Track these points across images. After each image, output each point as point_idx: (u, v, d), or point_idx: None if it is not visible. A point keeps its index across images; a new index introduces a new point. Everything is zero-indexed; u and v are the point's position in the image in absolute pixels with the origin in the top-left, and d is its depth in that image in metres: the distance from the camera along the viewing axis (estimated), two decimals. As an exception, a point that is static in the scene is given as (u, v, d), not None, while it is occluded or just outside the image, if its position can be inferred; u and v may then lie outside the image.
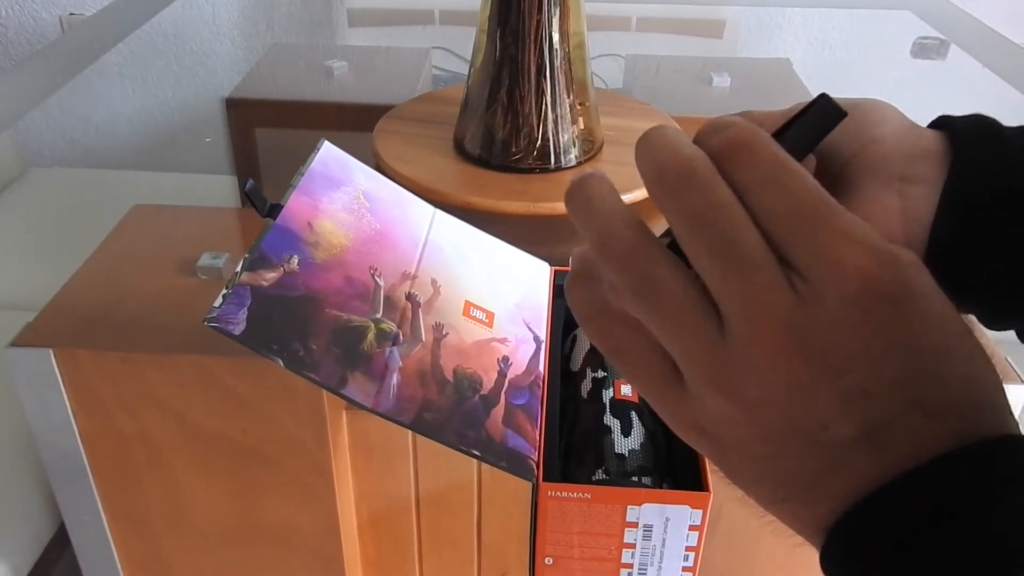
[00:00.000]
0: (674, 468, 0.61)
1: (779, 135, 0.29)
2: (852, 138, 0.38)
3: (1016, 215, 0.36)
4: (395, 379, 0.55)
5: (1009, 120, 0.40)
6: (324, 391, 0.56)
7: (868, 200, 0.38)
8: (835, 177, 0.39)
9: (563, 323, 0.70)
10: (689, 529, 0.58)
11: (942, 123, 0.39)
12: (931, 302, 0.25)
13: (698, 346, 0.26)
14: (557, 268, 0.73)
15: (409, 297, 0.61)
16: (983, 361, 0.26)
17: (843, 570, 0.26)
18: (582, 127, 0.90)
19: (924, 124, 0.42)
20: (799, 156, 0.28)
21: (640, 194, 0.83)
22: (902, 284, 0.25)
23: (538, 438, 0.59)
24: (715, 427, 0.27)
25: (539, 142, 0.88)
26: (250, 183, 0.54)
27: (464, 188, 0.85)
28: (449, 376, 0.58)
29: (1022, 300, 0.37)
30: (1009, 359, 0.64)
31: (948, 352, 0.25)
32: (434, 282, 0.63)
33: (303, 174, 0.60)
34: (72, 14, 1.81)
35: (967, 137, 0.38)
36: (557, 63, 0.85)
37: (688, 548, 0.59)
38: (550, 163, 0.88)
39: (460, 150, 0.92)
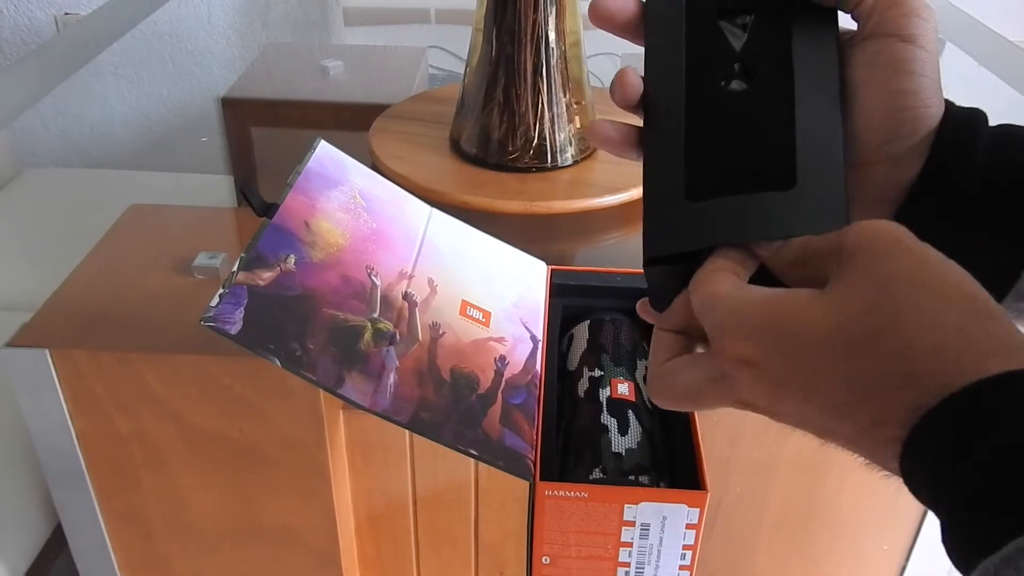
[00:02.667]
0: (671, 467, 0.61)
1: None
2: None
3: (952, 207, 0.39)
4: (392, 379, 0.55)
5: (1004, 117, 0.40)
6: (321, 390, 0.56)
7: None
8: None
9: (560, 322, 0.70)
10: (686, 528, 0.58)
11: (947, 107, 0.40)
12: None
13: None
14: (553, 267, 0.73)
15: (406, 296, 0.61)
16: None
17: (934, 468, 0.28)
18: (579, 126, 0.90)
19: None
20: None
21: (635, 192, 0.83)
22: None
23: (535, 437, 0.59)
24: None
25: (535, 141, 0.88)
26: (246, 182, 0.54)
27: (461, 187, 0.85)
28: (446, 375, 0.58)
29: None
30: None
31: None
32: (431, 281, 0.63)
33: (299, 173, 0.60)
34: (67, 14, 1.80)
35: (946, 138, 0.39)
36: (553, 62, 0.85)
37: (685, 547, 0.59)
38: (547, 162, 0.88)
39: (456, 149, 0.92)
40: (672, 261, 0.39)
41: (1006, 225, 0.39)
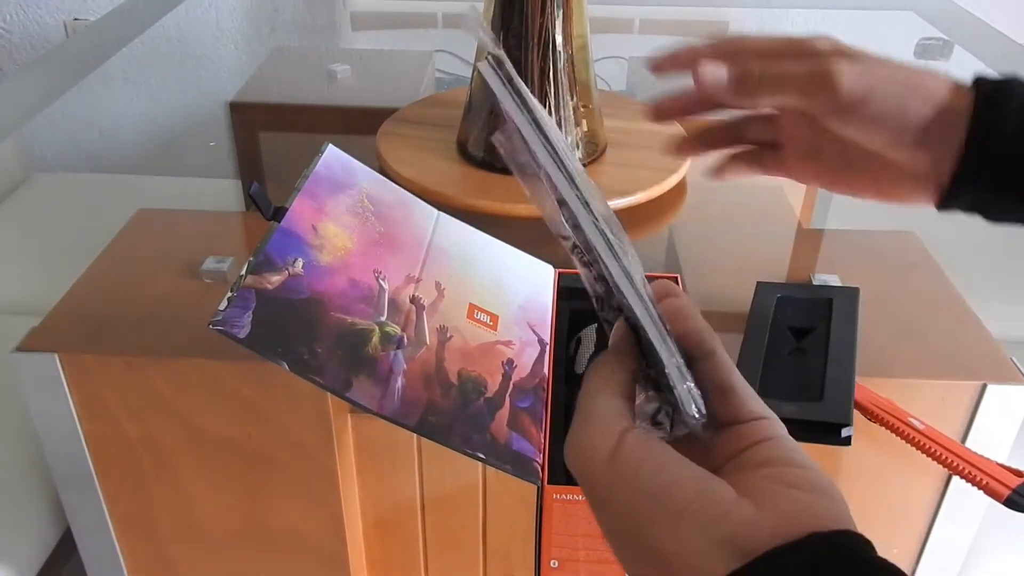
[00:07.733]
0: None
1: None
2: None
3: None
4: (400, 382, 0.55)
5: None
6: (329, 394, 0.56)
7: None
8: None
9: (567, 326, 0.70)
10: (694, 531, 0.58)
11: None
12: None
13: None
14: (561, 270, 0.73)
15: (413, 300, 0.61)
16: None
17: None
18: (586, 129, 0.90)
19: None
20: None
21: (641, 196, 0.83)
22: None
23: (543, 441, 0.59)
24: None
25: (542, 144, 0.87)
26: (254, 186, 0.54)
27: (468, 191, 0.85)
28: (454, 379, 0.58)
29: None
30: (1014, 359, 0.64)
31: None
32: (438, 285, 0.63)
33: (307, 177, 0.60)
34: (76, 19, 1.81)
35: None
36: (560, 66, 0.86)
37: (694, 550, 0.59)
38: (554, 165, 0.88)
39: (463, 153, 0.92)
40: None
41: None
